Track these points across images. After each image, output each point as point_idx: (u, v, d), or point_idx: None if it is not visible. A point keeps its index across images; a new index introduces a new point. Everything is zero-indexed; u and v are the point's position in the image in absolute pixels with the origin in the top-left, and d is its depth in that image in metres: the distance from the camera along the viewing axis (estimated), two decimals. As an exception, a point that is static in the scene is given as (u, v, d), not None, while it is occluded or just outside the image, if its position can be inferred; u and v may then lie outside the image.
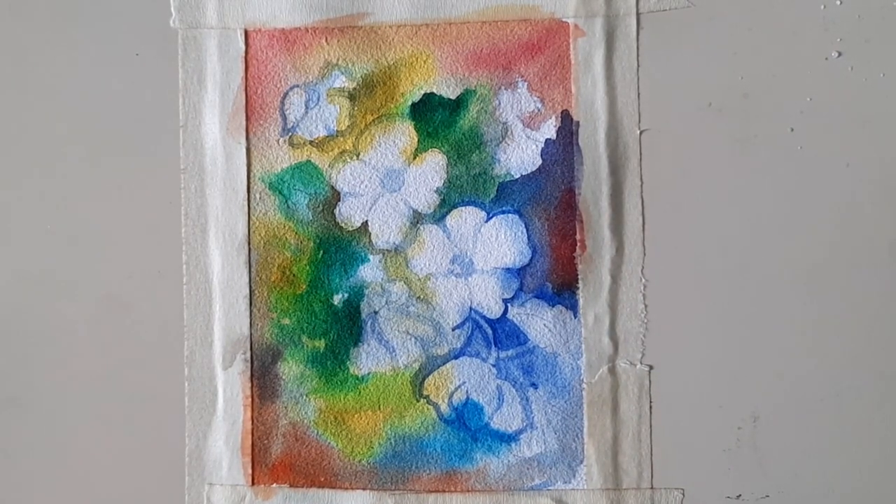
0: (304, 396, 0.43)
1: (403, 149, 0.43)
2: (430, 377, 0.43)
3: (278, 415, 0.43)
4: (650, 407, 0.42)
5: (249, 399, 0.43)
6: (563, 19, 0.42)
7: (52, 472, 0.44)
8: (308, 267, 0.43)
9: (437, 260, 0.43)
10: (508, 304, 0.42)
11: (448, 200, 0.43)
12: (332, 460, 0.43)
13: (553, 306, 0.42)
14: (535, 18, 0.42)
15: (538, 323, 0.42)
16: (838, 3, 0.42)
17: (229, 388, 0.43)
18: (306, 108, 0.43)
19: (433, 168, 0.43)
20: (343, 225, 0.43)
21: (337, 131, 0.43)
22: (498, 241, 0.42)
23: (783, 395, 0.42)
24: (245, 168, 0.43)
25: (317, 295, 0.43)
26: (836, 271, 0.41)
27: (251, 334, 0.43)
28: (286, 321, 0.43)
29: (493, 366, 0.43)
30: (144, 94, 0.44)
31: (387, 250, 0.43)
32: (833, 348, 0.41)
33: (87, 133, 0.44)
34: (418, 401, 0.43)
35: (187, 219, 0.43)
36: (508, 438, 0.42)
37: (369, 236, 0.43)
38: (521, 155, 0.43)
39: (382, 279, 0.43)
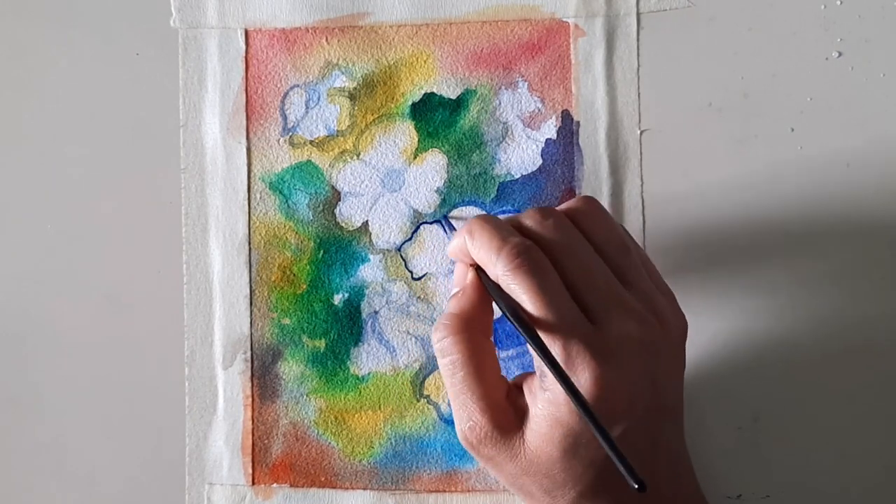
0: (305, 396, 0.43)
1: (404, 149, 0.43)
2: (431, 377, 0.43)
3: (279, 414, 0.43)
4: (650, 407, 0.42)
5: (250, 399, 0.43)
6: (564, 19, 0.42)
7: (51, 471, 0.44)
8: (308, 267, 0.43)
9: (438, 259, 0.43)
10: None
11: (448, 200, 0.43)
12: (333, 460, 0.43)
13: (553, 306, 0.42)
14: (536, 18, 0.42)
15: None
16: (838, 3, 0.42)
17: (230, 387, 0.43)
18: (307, 107, 0.43)
19: (433, 168, 0.43)
20: (343, 225, 0.43)
21: (337, 131, 0.43)
22: (498, 241, 0.42)
23: (783, 395, 0.42)
24: (245, 168, 0.43)
25: (317, 295, 0.43)
26: (837, 271, 0.41)
27: (251, 334, 0.43)
28: (286, 321, 0.43)
29: (494, 366, 0.42)
30: (144, 94, 0.44)
31: (387, 250, 0.43)
32: (833, 348, 0.41)
33: (87, 133, 0.44)
34: (419, 400, 0.43)
35: (187, 218, 0.43)
36: (509, 438, 0.42)
37: (370, 236, 0.43)
38: (521, 155, 0.43)
39: (383, 279, 0.43)
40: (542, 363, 0.32)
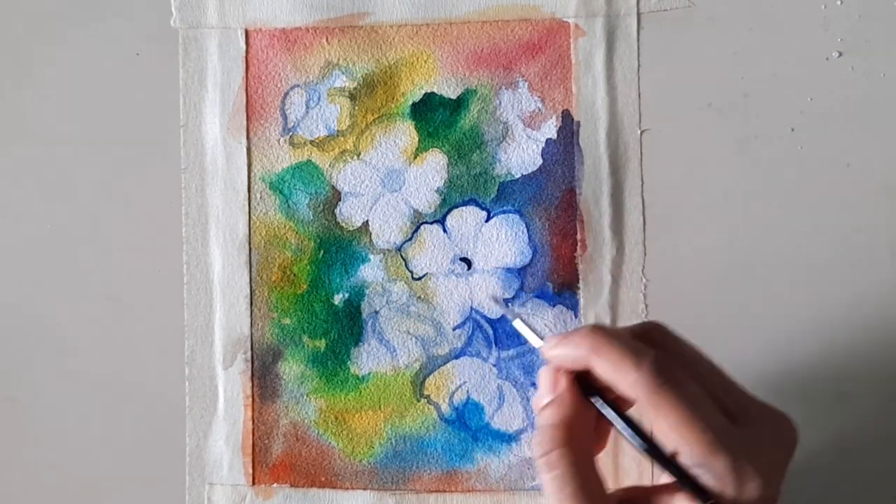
0: (305, 396, 0.43)
1: (404, 148, 0.43)
2: (431, 377, 0.43)
3: (279, 414, 0.43)
4: (651, 407, 0.42)
5: (250, 399, 0.43)
6: (564, 19, 0.42)
7: (52, 471, 0.44)
8: (309, 267, 0.43)
9: (438, 259, 0.43)
10: (509, 304, 0.42)
11: (449, 200, 0.43)
12: (333, 460, 0.43)
13: (554, 306, 0.42)
14: (536, 18, 0.42)
15: (539, 323, 0.42)
16: (839, 2, 0.42)
17: (230, 387, 0.43)
18: (307, 107, 0.43)
19: (434, 168, 0.43)
20: (344, 225, 0.43)
21: (337, 131, 0.43)
22: (499, 241, 0.42)
23: (783, 395, 0.42)
24: (246, 168, 0.43)
25: (317, 295, 0.43)
26: (837, 271, 0.42)
27: (252, 334, 0.43)
28: (287, 321, 0.43)
29: (494, 365, 0.43)
30: (145, 93, 0.44)
31: (387, 250, 0.43)
32: (833, 348, 0.41)
33: (88, 133, 0.44)
34: (419, 400, 0.43)
35: (188, 218, 0.43)
36: (509, 438, 0.42)
37: (370, 236, 0.43)
38: (521, 155, 0.43)
39: (383, 279, 0.43)
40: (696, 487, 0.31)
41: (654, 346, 0.33)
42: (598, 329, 0.33)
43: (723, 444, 0.30)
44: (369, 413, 0.43)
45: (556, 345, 0.34)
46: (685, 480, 0.31)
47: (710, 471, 0.30)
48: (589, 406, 0.33)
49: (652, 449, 0.32)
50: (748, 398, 0.33)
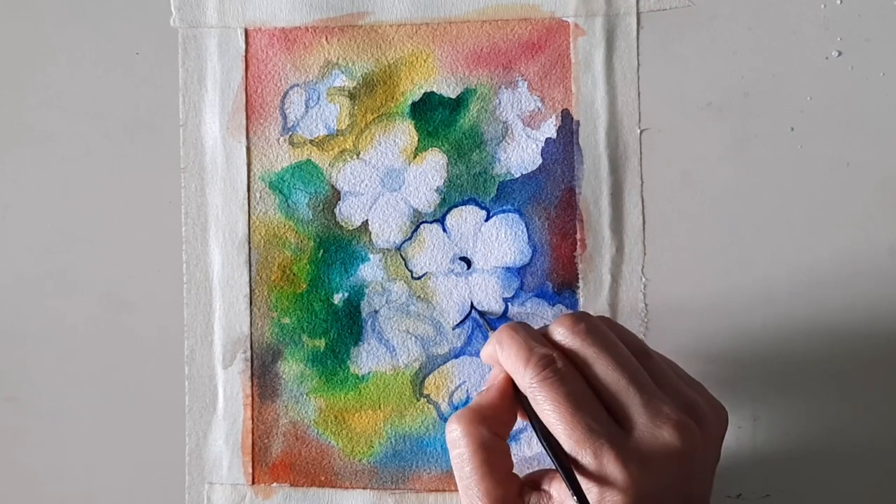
0: (305, 396, 0.43)
1: (404, 148, 0.43)
2: (431, 376, 0.43)
3: (278, 414, 0.43)
4: (650, 406, 0.42)
5: (250, 398, 0.43)
6: (564, 18, 0.42)
7: (52, 471, 0.44)
8: (308, 266, 0.43)
9: (438, 259, 0.43)
10: (509, 304, 0.42)
11: (448, 199, 0.43)
12: (333, 459, 0.43)
13: (553, 305, 0.42)
14: (536, 18, 0.42)
15: (538, 322, 0.42)
16: (838, 2, 0.42)
17: (229, 387, 0.43)
18: (306, 107, 0.43)
19: (433, 167, 0.43)
20: (343, 224, 0.43)
21: (337, 130, 0.43)
22: (498, 241, 0.42)
23: (783, 395, 0.42)
24: (245, 167, 0.43)
25: (317, 294, 0.43)
26: (836, 271, 0.41)
27: (251, 333, 0.43)
28: (286, 320, 0.43)
29: (494, 365, 0.42)
30: (144, 93, 0.44)
31: (387, 249, 0.43)
32: (833, 348, 0.41)
33: (87, 132, 0.44)
34: (419, 400, 0.43)
35: (187, 218, 0.43)
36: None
37: (369, 235, 0.43)
38: (521, 154, 0.43)
39: (382, 278, 0.43)
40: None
41: (570, 340, 0.34)
42: (508, 326, 0.35)
43: (587, 442, 0.32)
44: (369, 412, 0.43)
45: (487, 343, 0.36)
46: (563, 471, 0.32)
47: (580, 465, 0.32)
48: (519, 399, 0.35)
49: (544, 441, 0.33)
50: (653, 402, 0.33)
